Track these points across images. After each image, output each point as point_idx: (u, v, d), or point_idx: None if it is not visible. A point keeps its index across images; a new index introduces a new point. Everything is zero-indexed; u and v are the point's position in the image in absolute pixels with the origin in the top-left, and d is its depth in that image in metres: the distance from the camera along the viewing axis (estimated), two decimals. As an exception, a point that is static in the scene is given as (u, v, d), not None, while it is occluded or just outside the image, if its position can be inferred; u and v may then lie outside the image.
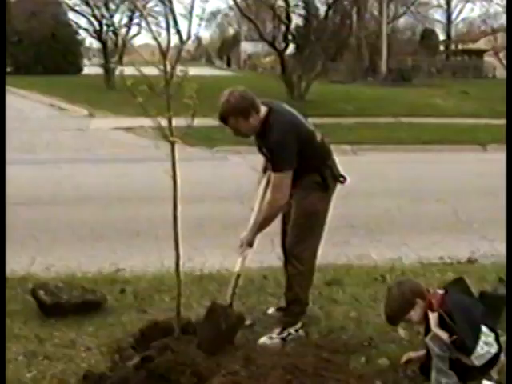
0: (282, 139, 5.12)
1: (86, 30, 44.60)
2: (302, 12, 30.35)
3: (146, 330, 5.15)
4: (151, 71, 4.56)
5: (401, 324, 5.08)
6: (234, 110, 5.12)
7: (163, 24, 4.70)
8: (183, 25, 4.66)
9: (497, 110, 21.53)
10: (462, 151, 16.71)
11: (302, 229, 5.35)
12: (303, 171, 5.23)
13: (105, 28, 41.32)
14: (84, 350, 5.17)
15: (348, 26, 35.21)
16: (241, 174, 12.40)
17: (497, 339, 4.45)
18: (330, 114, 21.53)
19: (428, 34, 64.59)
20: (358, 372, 4.73)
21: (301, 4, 29.72)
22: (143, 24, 38.53)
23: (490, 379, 4.46)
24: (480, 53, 57.45)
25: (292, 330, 5.41)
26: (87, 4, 40.38)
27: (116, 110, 23.29)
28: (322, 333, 5.50)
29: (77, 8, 42.15)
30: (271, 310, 5.86)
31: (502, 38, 43.11)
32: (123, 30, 42.63)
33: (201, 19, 4.94)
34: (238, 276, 5.27)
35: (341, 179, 5.45)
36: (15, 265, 7.26)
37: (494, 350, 4.42)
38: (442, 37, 67.61)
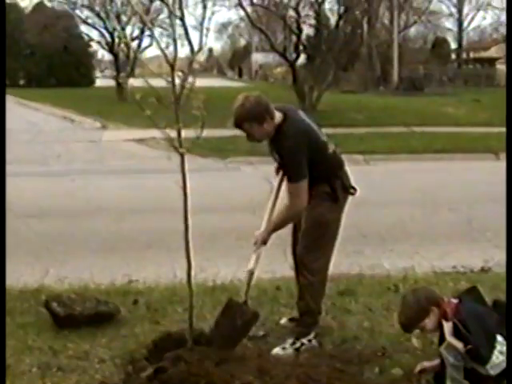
0: (294, 147, 5.12)
1: (97, 42, 44.89)
2: (313, 22, 30.39)
3: (159, 341, 5.15)
4: (162, 83, 4.57)
5: (414, 333, 5.06)
6: (249, 116, 5.12)
7: (176, 36, 4.71)
8: (194, 36, 4.67)
9: (509, 118, 21.42)
10: (474, 160, 16.65)
11: (311, 239, 5.34)
12: (313, 181, 5.23)
13: (116, 40, 41.50)
14: (98, 361, 5.17)
15: (359, 36, 35.29)
16: (253, 184, 12.41)
17: None
18: (341, 124, 21.52)
19: (439, 43, 64.50)
20: (372, 382, 4.72)
21: (312, 14, 29.75)
22: (155, 36, 38.69)
23: (504, 389, 4.44)
24: (492, 61, 57.35)
25: (305, 341, 5.40)
26: (99, 17, 40.61)
27: (128, 121, 23.36)
28: (336, 343, 5.48)
29: (89, 21, 42.46)
30: (284, 321, 5.86)
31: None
32: (135, 42, 42.81)
33: (207, 30, 4.92)
34: (252, 273, 5.27)
35: (351, 191, 5.44)
36: (28, 277, 7.29)
37: (509, 359, 4.39)
38: (453, 45, 67.54)
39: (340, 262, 7.24)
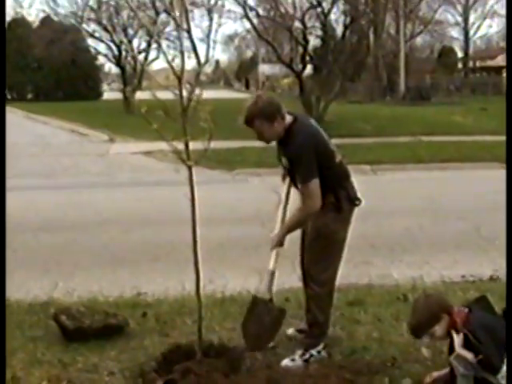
0: (303, 147, 5.14)
1: (104, 55, 45.05)
2: (319, 33, 30.44)
3: (168, 353, 5.15)
4: (168, 95, 4.58)
5: (424, 343, 5.05)
6: (261, 113, 5.14)
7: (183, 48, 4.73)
8: (201, 48, 4.69)
9: (517, 127, 21.41)
10: (482, 168, 16.63)
11: (316, 250, 5.34)
12: None
13: (123, 53, 41.65)
14: (107, 374, 5.17)
15: (365, 46, 35.33)
16: (261, 196, 12.40)
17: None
18: (348, 135, 21.53)
19: (446, 52, 64.58)
20: (382, 392, 4.71)
21: (318, 25, 29.81)
22: (161, 48, 38.81)
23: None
24: (499, 69, 57.32)
25: (314, 352, 5.39)
26: (106, 30, 40.76)
27: (136, 134, 23.42)
28: (345, 353, 5.47)
29: (96, 34, 42.61)
30: (291, 331, 5.84)
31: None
32: (141, 55, 42.97)
33: (214, 42, 4.95)
34: (273, 273, 5.33)
35: (356, 202, 5.43)
36: (37, 290, 7.31)
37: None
38: (460, 54, 67.58)
39: (349, 272, 7.24)
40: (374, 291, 7.13)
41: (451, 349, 4.53)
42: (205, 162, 4.63)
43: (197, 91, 4.57)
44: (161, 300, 6.92)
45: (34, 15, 57.86)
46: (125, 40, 41.01)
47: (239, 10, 28.95)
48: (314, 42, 32.33)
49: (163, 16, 30.92)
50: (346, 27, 28.77)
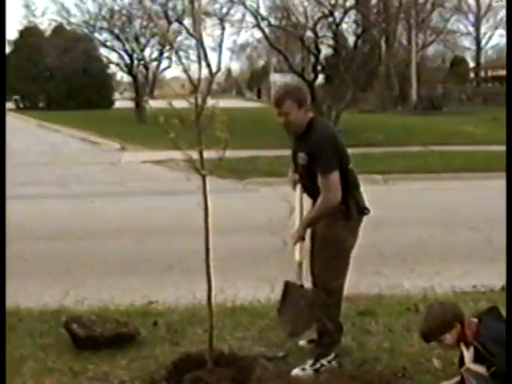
0: (325, 141, 5.23)
1: (116, 64, 45.21)
2: (331, 43, 30.47)
3: (178, 362, 5.15)
4: (181, 104, 4.60)
5: (435, 354, 5.03)
6: (293, 94, 5.30)
7: (193, 57, 4.76)
8: (213, 57, 4.71)
9: (529, 137, 21.33)
10: (494, 178, 16.52)
11: (326, 259, 5.34)
12: None
13: (135, 62, 41.80)
14: (118, 382, 5.17)
15: (377, 56, 35.30)
16: (272, 205, 12.41)
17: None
18: (360, 144, 21.50)
19: (458, 62, 64.51)
20: (393, 403, 4.70)
21: (329, 35, 29.84)
22: (173, 57, 38.93)
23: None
24: (510, 79, 57.10)
25: (325, 362, 5.38)
26: (118, 39, 40.91)
27: (147, 143, 23.50)
28: (355, 364, 5.46)
29: (108, 43, 42.77)
30: (302, 342, 5.84)
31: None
32: (154, 64, 43.11)
33: (233, 52, 5.00)
34: (301, 263, 5.35)
35: (365, 211, 5.44)
36: (48, 298, 7.32)
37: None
38: (472, 64, 67.49)
39: (359, 283, 7.25)
40: (385, 301, 7.11)
41: (462, 361, 4.52)
42: (216, 170, 4.62)
43: (212, 101, 4.59)
44: (172, 309, 6.92)
45: (46, 24, 57.96)
46: (137, 49, 41.17)
47: (251, 19, 29.04)
48: (325, 51, 32.41)
49: (176, 25, 31.10)
50: (357, 37, 28.79)
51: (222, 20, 28.25)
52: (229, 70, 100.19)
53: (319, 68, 30.15)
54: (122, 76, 59.53)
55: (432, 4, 50.88)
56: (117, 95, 69.75)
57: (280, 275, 6.08)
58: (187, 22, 30.11)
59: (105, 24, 41.02)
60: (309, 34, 29.17)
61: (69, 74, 53.66)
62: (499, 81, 60.72)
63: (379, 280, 8.04)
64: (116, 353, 5.67)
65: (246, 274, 8.36)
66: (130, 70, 42.25)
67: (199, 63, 4.64)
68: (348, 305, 5.77)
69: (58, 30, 50.28)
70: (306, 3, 29.10)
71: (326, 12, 27.79)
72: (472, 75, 66.75)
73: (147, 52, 42.87)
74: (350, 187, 5.35)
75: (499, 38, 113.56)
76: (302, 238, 5.38)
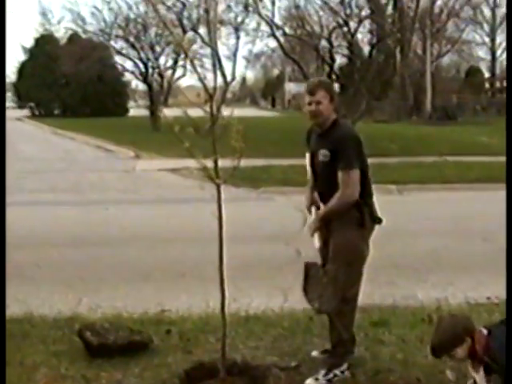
0: (349, 137, 5.35)
1: (132, 72, 45.39)
2: (346, 52, 30.50)
3: (191, 370, 5.14)
4: (196, 112, 4.61)
5: (448, 365, 5.01)
6: (327, 87, 5.50)
7: (208, 66, 4.77)
8: (227, 66, 4.73)
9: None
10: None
11: (343, 266, 5.33)
12: None
13: (150, 70, 41.93)
14: (130, 390, 5.18)
15: (392, 65, 35.26)
16: (286, 214, 12.40)
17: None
18: (374, 154, 21.33)
19: (473, 72, 64.40)
20: (406, 414, 4.68)
21: (344, 44, 29.87)
22: (188, 66, 39.04)
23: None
24: (526, 90, 56.97)
25: (338, 372, 5.37)
26: (133, 47, 41.07)
27: (162, 151, 23.54)
28: (368, 374, 5.44)
29: (123, 51, 42.93)
30: (315, 353, 5.82)
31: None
32: (168, 72, 43.22)
33: (248, 61, 5.02)
34: (321, 248, 5.43)
35: (377, 221, 5.44)
36: (62, 305, 7.33)
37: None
38: (487, 74, 67.35)
39: (373, 293, 7.22)
40: (399, 312, 7.09)
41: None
42: (230, 179, 4.64)
43: (228, 110, 4.60)
44: (185, 317, 6.92)
45: (62, 32, 58.32)
46: (152, 57, 41.31)
47: (266, 28, 29.09)
48: (340, 60, 32.46)
49: (190, 34, 31.19)
50: (372, 46, 28.82)
51: (237, 29, 28.34)
52: (244, 79, 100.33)
53: (334, 77, 30.13)
54: (137, 84, 59.70)
55: (447, 14, 50.97)
56: (132, 103, 70.01)
57: (293, 285, 6.06)
58: (202, 30, 30.19)
59: (120, 32, 41.22)
60: (324, 43, 29.24)
61: (84, 81, 53.97)
62: (514, 91, 60.52)
63: (393, 290, 8.01)
64: (129, 361, 5.67)
65: (260, 283, 8.35)
66: (144, 78, 42.39)
67: (214, 72, 4.65)
68: (361, 315, 5.75)
69: (74, 37, 50.62)
70: (321, 13, 29.21)
71: (341, 22, 27.83)
72: (487, 86, 66.60)
73: (162, 60, 43.02)
74: (365, 195, 5.36)
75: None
76: (319, 229, 5.44)
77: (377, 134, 30.11)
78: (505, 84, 65.81)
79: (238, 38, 28.89)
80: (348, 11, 27.07)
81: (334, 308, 5.30)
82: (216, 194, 4.68)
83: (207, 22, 4.95)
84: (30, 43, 65.34)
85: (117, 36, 41.78)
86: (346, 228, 5.30)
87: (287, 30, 30.51)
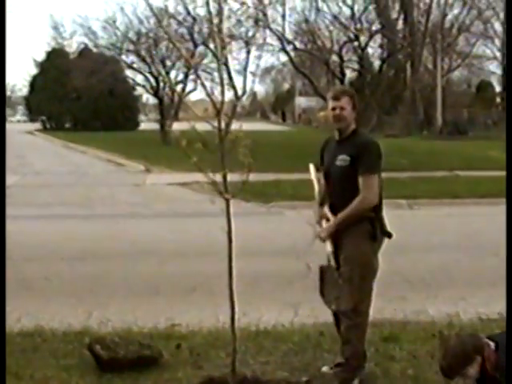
0: (370, 144, 5.47)
1: (142, 86, 45.54)
2: (356, 67, 30.55)
3: (201, 385, 5.13)
4: (206, 127, 4.61)
5: (460, 382, 4.98)
6: (352, 95, 5.58)
7: (218, 80, 4.77)
8: (238, 80, 4.73)
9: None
10: (520, 204, 16.44)
11: (356, 279, 5.33)
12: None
13: (161, 84, 42.03)
14: (140, 405, 5.17)
15: (402, 80, 35.28)
16: (296, 229, 12.37)
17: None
18: (385, 169, 21.17)
19: (484, 86, 64.28)
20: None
21: (355, 59, 29.93)
22: (198, 80, 39.12)
23: None
24: (537, 104, 56.85)
25: (349, 387, 5.35)
26: (144, 61, 41.22)
27: (172, 165, 23.57)
28: (379, 390, 5.42)
29: (134, 65, 43.11)
30: (325, 368, 5.78)
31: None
32: (179, 87, 43.33)
33: (254, 75, 5.03)
34: (333, 252, 5.44)
35: (387, 235, 5.45)
36: (72, 319, 7.32)
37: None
38: (498, 89, 67.23)
39: (384, 308, 7.19)
40: (410, 327, 7.05)
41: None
42: (240, 194, 4.64)
43: (236, 125, 4.60)
44: (195, 332, 6.90)
45: (74, 46, 58.58)
46: (163, 71, 41.42)
47: (277, 43, 29.18)
48: (350, 75, 32.54)
49: (201, 48, 31.27)
50: (383, 61, 28.91)
51: (247, 43, 28.43)
52: (254, 93, 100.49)
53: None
54: (148, 98, 59.86)
55: (458, 29, 50.99)
56: (142, 117, 70.19)
57: (304, 299, 6.04)
58: (213, 45, 30.29)
59: (131, 46, 41.38)
60: (334, 57, 29.32)
61: (95, 95, 54.20)
62: (526, 106, 60.43)
63: (404, 305, 7.97)
64: (139, 375, 5.66)
65: (270, 297, 8.33)
66: (155, 92, 42.52)
67: (222, 86, 4.66)
68: (372, 330, 5.72)
69: (84, 51, 50.83)
70: (331, 27, 29.27)
71: (352, 36, 27.94)
72: (498, 100, 66.47)
73: (173, 74, 43.13)
74: (377, 209, 5.37)
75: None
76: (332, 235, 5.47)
77: (387, 148, 29.83)
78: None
79: (248, 52, 28.96)
80: (358, 26, 27.19)
81: (352, 308, 5.30)
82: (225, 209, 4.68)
83: (212, 36, 4.96)
84: (41, 57, 65.76)
85: (128, 50, 41.97)
86: (360, 241, 5.30)
87: (298, 44, 30.61)
